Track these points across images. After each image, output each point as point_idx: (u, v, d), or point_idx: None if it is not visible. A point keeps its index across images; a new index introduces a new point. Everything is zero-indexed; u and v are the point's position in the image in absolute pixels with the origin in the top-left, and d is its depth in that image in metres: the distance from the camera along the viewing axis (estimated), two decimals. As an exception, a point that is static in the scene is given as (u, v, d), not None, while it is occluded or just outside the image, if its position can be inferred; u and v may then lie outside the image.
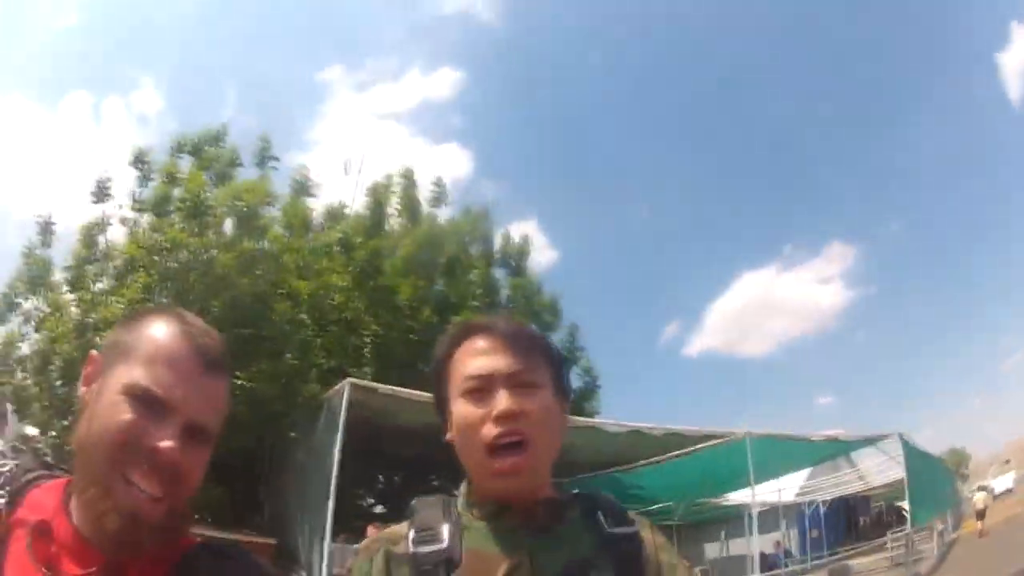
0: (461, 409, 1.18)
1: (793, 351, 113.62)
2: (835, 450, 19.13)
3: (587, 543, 1.19)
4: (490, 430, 1.14)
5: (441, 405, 1.27)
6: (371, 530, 7.72)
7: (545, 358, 1.24)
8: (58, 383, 12.64)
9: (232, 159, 15.10)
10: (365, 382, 9.80)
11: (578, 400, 16.57)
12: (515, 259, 17.51)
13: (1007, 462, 58.24)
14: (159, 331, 1.00)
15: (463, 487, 1.27)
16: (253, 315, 12.99)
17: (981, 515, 23.88)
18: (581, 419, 11.35)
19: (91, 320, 12.56)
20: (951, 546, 21.10)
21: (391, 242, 15.39)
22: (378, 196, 16.15)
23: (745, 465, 12.32)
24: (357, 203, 16.77)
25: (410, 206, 16.50)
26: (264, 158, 15.80)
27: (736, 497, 17.62)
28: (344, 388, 9.49)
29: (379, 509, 16.28)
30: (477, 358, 1.20)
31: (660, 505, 15.01)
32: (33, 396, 13.26)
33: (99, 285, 13.64)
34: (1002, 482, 44.45)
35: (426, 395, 9.80)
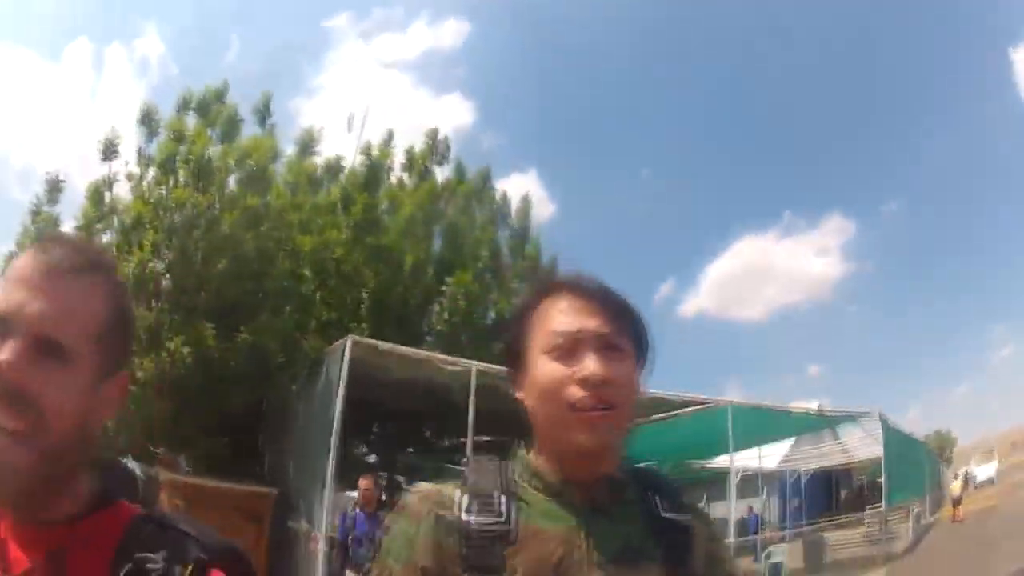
0: (544, 367, 1.15)
1: (786, 319, 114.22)
2: (815, 424, 19.49)
3: (641, 526, 1.18)
4: (575, 392, 1.12)
5: (514, 359, 1.25)
6: (363, 482, 8.14)
7: (632, 324, 1.22)
8: None
9: (235, 117, 15.26)
10: (367, 339, 10.10)
11: None
12: (516, 219, 17.62)
13: (990, 451, 58.91)
14: (20, 256, 0.93)
15: (521, 455, 1.25)
16: (256, 271, 13.25)
17: (957, 502, 24.50)
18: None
19: None
20: (927, 530, 21.62)
21: (391, 196, 15.60)
22: (380, 153, 16.31)
23: (727, 433, 12.66)
24: (359, 159, 16.85)
25: (413, 165, 16.69)
26: (265, 116, 15.92)
27: (721, 461, 17.93)
28: (346, 345, 9.81)
29: (372, 458, 16.68)
30: (566, 315, 1.18)
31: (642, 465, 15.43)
32: None
33: (106, 238, 13.73)
34: (984, 471, 45.04)
35: (423, 353, 10.25)
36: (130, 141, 14.65)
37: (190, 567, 0.88)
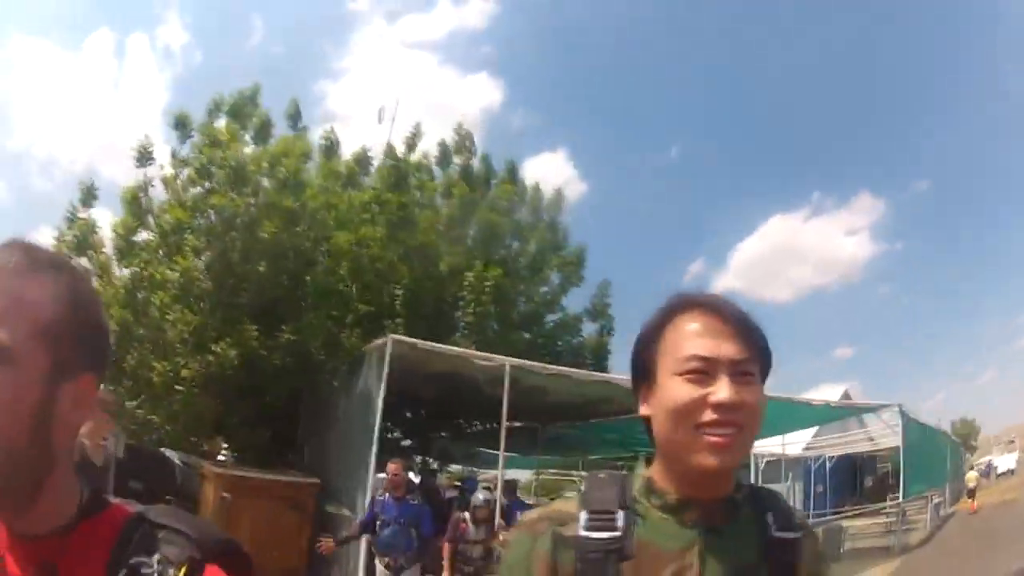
0: (677, 389, 1.17)
1: (815, 300, 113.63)
2: (833, 416, 19.41)
3: (752, 546, 1.20)
4: (707, 415, 1.14)
5: (642, 376, 1.27)
6: (391, 466, 8.19)
7: (761, 348, 1.23)
8: (114, 345, 13.26)
9: (268, 121, 15.74)
10: (406, 339, 10.48)
11: (592, 345, 17.31)
12: (547, 212, 17.93)
13: (1011, 442, 58.46)
14: None
15: (642, 471, 1.27)
16: (294, 270, 13.80)
17: (971, 493, 24.69)
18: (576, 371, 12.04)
19: (143, 284, 13.17)
20: (945, 520, 21.88)
21: (427, 191, 16.11)
22: (409, 161, 16.78)
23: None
24: (390, 155, 17.30)
25: (446, 158, 17.27)
26: (296, 120, 16.52)
27: (756, 445, 18.18)
28: (387, 343, 10.29)
29: (406, 442, 17.17)
30: (701, 339, 1.19)
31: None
32: None
33: (142, 236, 14.23)
34: (1004, 461, 44.99)
35: (458, 349, 10.70)
36: (156, 137, 15.12)
37: (184, 567, 0.88)
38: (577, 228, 18.00)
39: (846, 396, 34.69)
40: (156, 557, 0.89)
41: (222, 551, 0.94)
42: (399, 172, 15.93)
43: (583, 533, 1.16)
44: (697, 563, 1.15)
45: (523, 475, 24.95)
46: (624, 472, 1.29)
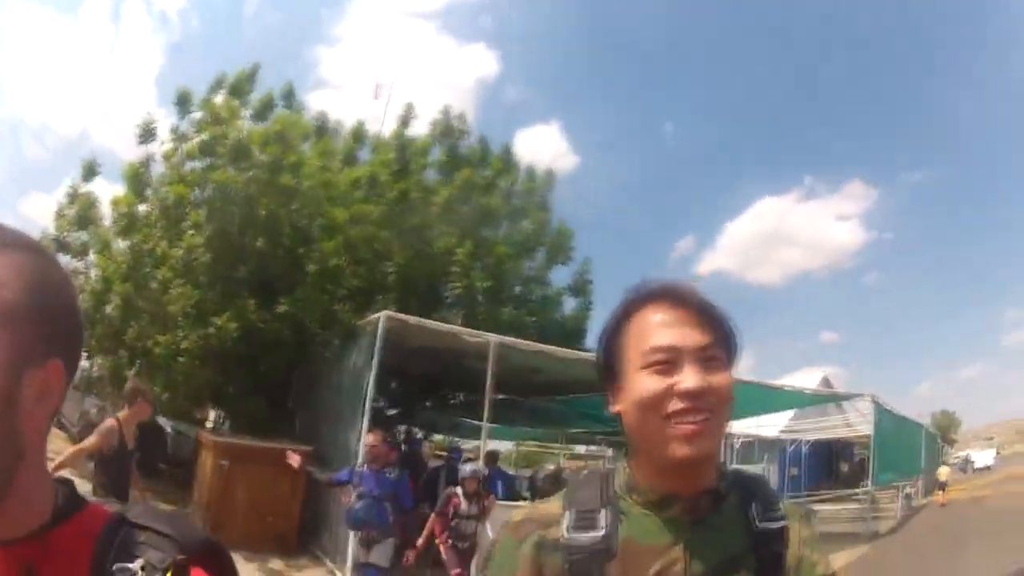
0: (643, 382, 1.16)
1: (803, 283, 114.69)
2: (805, 402, 19.90)
3: (738, 537, 1.19)
4: (675, 404, 1.13)
5: (609, 374, 1.25)
6: (368, 438, 8.41)
7: (725, 332, 1.21)
8: (117, 319, 13.73)
9: (268, 100, 16.24)
10: (399, 315, 10.96)
11: (573, 320, 17.72)
12: (538, 193, 18.27)
13: (990, 438, 59.20)
14: None
15: (623, 468, 1.27)
16: (292, 246, 14.29)
17: (942, 487, 25.36)
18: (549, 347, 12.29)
19: (145, 259, 13.64)
20: (915, 512, 22.33)
21: (420, 180, 16.48)
22: (410, 145, 17.19)
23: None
24: (387, 129, 17.87)
25: (445, 155, 17.58)
26: (291, 100, 17.01)
27: (730, 426, 18.63)
28: (380, 318, 10.83)
29: (392, 411, 17.56)
30: (663, 329, 1.18)
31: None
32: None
33: (142, 208, 14.67)
34: (982, 457, 45.72)
35: (445, 326, 11.27)
36: (150, 103, 15.57)
37: (168, 572, 0.86)
38: (567, 202, 18.25)
39: (825, 381, 35.35)
40: (139, 562, 0.87)
41: (204, 552, 0.93)
42: (399, 157, 16.42)
43: (568, 535, 1.16)
44: (684, 557, 1.15)
45: (504, 446, 25.46)
46: (606, 468, 1.31)
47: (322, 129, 17.23)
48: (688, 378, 1.13)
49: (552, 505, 1.24)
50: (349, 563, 8.65)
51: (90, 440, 6.11)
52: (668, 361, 1.16)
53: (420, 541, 8.24)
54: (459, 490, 8.43)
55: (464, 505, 8.35)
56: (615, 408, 1.24)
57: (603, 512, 1.18)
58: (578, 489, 1.24)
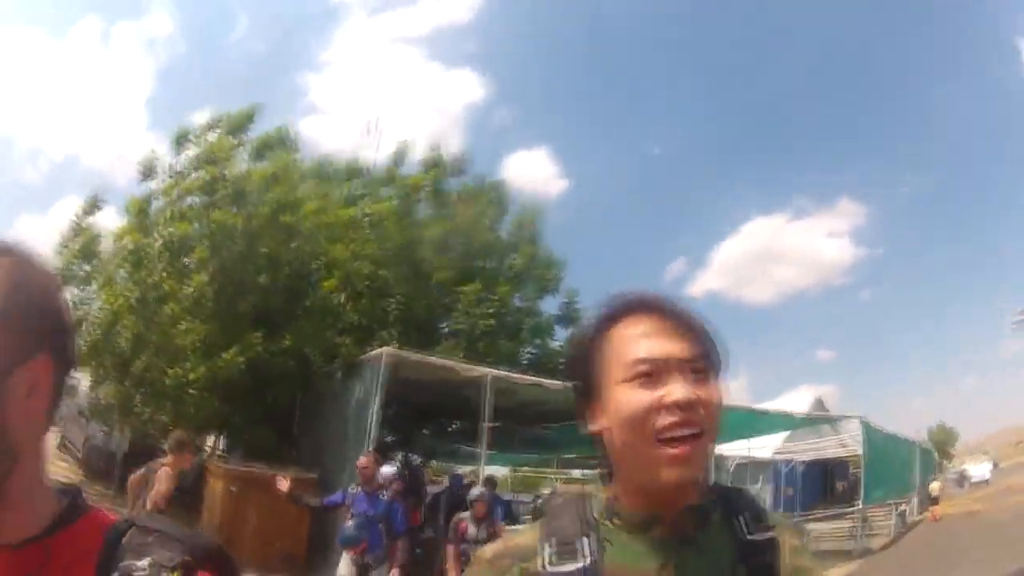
0: (628, 395, 1.09)
1: (797, 301, 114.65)
2: (795, 425, 20.39)
3: (727, 552, 1.14)
4: (663, 419, 1.06)
5: (586, 390, 1.18)
6: (361, 460, 8.37)
7: (709, 345, 1.15)
8: (126, 351, 14.14)
9: (267, 140, 16.74)
10: (400, 351, 11.60)
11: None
12: (528, 228, 18.87)
13: (985, 452, 59.21)
14: None
15: (598, 491, 1.20)
16: (294, 282, 14.85)
17: (935, 502, 25.60)
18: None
19: (152, 296, 14.05)
20: (909, 528, 22.46)
21: (422, 226, 16.99)
22: (404, 182, 17.92)
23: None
24: (379, 161, 18.76)
25: (438, 193, 18.18)
26: (287, 143, 17.38)
27: (723, 449, 18.97)
28: (382, 354, 11.39)
29: (389, 438, 17.78)
30: (647, 340, 1.12)
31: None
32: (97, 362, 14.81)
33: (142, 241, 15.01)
34: (979, 471, 45.72)
35: (443, 360, 11.81)
36: (140, 126, 16.17)
37: (177, 572, 0.87)
38: (557, 227, 19.13)
39: (819, 402, 35.62)
40: (147, 560, 0.88)
41: (212, 555, 0.94)
42: (396, 196, 17.07)
43: (549, 567, 1.09)
44: None
45: (500, 472, 25.83)
46: (581, 493, 1.22)
47: (320, 169, 17.90)
48: (677, 390, 1.07)
49: (526, 536, 1.16)
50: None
51: (161, 487, 6.60)
52: (654, 373, 1.09)
53: (450, 573, 8.26)
54: (466, 515, 8.40)
55: (473, 530, 8.28)
56: (593, 428, 1.17)
57: (584, 540, 1.11)
58: (554, 518, 1.16)
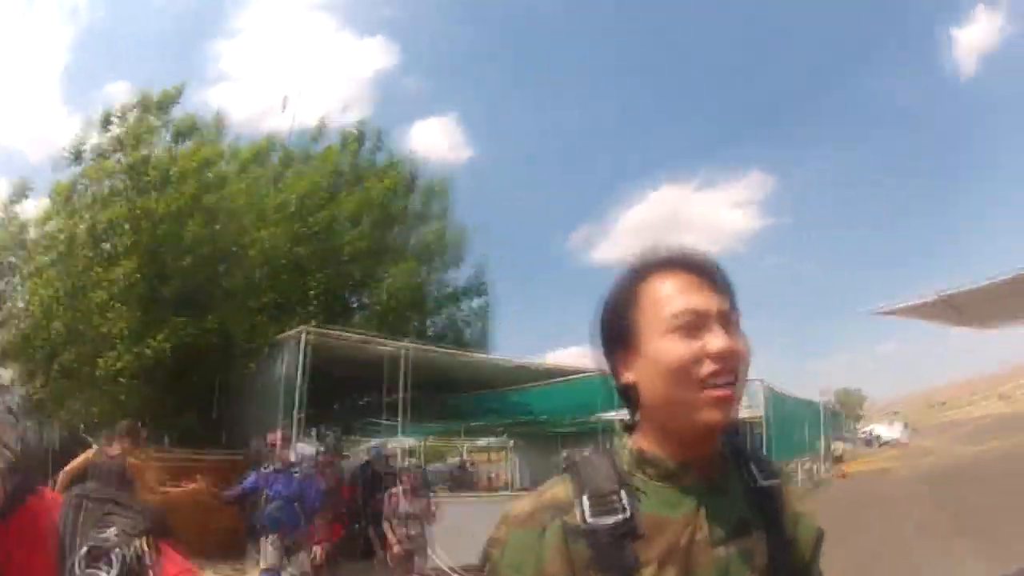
0: (669, 346, 1.12)
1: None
2: None
3: (743, 498, 1.19)
4: (706, 367, 1.10)
5: (620, 342, 1.20)
6: (270, 436, 8.81)
7: (734, 299, 1.20)
8: (56, 343, 14.28)
9: (191, 122, 16.94)
10: (319, 330, 12.08)
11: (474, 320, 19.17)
12: (437, 200, 19.60)
13: (895, 413, 62.01)
14: None
15: (625, 443, 1.22)
16: (216, 265, 15.06)
17: (838, 460, 27.04)
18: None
19: (83, 284, 14.11)
20: (817, 485, 23.29)
21: (338, 205, 17.31)
22: (325, 161, 18.35)
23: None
24: (294, 137, 19.05)
25: (353, 170, 18.65)
26: (219, 129, 17.84)
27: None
28: (303, 333, 11.82)
29: (307, 415, 18.12)
30: (687, 294, 1.16)
31: (545, 418, 17.85)
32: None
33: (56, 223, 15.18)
34: (889, 431, 47.97)
35: (361, 335, 12.39)
36: (55, 96, 16.20)
37: (145, 539, 0.89)
38: (465, 193, 19.98)
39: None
40: (113, 530, 0.89)
41: (167, 527, 0.97)
42: (324, 182, 17.50)
43: (591, 520, 1.11)
44: (706, 524, 1.14)
45: (409, 443, 26.54)
46: (606, 448, 1.25)
47: (238, 148, 18.18)
48: (718, 340, 1.11)
49: (557, 490, 1.17)
50: (264, 565, 8.13)
51: (73, 464, 6.87)
52: (694, 325, 1.13)
53: (393, 548, 8.23)
54: (398, 489, 8.39)
55: (403, 504, 8.26)
56: (626, 378, 1.20)
57: (623, 492, 1.13)
58: (587, 471, 1.18)
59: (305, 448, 9.25)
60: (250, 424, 13.21)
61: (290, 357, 12.04)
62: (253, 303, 14.71)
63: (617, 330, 1.20)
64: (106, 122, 16.11)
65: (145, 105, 16.51)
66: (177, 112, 16.88)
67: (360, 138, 19.18)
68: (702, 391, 1.10)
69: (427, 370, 13.23)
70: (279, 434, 9.01)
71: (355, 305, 16.95)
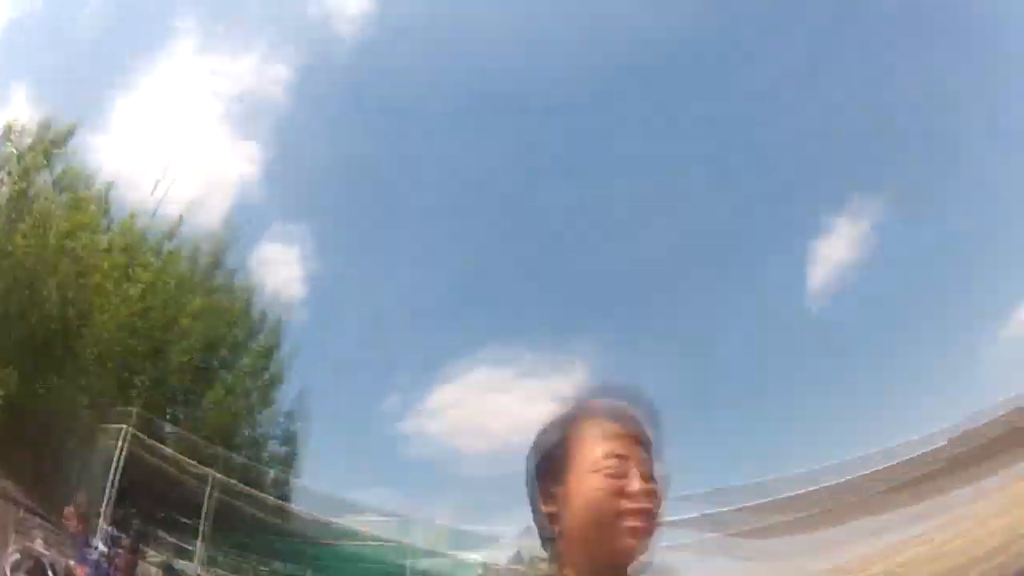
0: (596, 482, 1.25)
1: (503, 464, 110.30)
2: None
3: None
4: (627, 504, 1.23)
5: (550, 474, 1.33)
6: (67, 511, 8.55)
7: (660, 442, 1.34)
8: None
9: (75, 175, 17.61)
10: (138, 433, 13.05)
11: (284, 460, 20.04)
12: (272, 325, 20.80)
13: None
14: None
15: (544, 571, 1.34)
16: (62, 324, 15.20)
17: None
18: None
19: None
20: None
21: (179, 310, 18.10)
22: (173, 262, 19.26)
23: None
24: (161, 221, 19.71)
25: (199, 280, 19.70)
26: (102, 199, 18.47)
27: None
28: (123, 430, 12.94)
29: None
30: (613, 441, 1.29)
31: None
32: None
33: None
34: None
35: (172, 453, 13.79)
36: None
37: None
38: (296, 330, 21.53)
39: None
40: None
41: None
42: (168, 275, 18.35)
43: None
44: None
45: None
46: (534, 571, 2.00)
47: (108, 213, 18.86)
48: (637, 482, 1.24)
49: None
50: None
51: None
52: (617, 468, 1.25)
53: None
54: None
55: None
56: (549, 509, 1.30)
57: None
58: None
59: (99, 546, 9.27)
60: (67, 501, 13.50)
61: (107, 450, 12.95)
62: (82, 381, 15.09)
63: (548, 462, 1.35)
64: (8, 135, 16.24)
65: (40, 135, 16.83)
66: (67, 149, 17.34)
67: (209, 243, 20.50)
68: (623, 521, 1.24)
69: (229, 502, 14.07)
70: (71, 509, 9.04)
71: (172, 415, 17.49)
